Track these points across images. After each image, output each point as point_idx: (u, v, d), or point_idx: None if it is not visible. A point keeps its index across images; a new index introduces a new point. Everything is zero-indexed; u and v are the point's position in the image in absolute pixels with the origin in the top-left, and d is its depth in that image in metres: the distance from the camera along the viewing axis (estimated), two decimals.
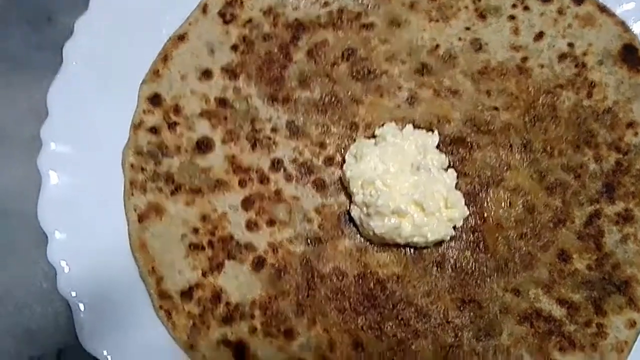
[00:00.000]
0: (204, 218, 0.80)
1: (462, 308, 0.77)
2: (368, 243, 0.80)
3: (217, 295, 0.77)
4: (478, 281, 0.78)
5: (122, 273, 0.77)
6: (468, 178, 0.82)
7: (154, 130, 0.82)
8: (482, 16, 0.87)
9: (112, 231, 0.78)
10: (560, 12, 0.86)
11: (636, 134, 0.82)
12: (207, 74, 0.84)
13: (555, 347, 0.76)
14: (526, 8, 0.86)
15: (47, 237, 0.77)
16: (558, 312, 0.77)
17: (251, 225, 0.80)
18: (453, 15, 0.87)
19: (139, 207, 0.79)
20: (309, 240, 0.80)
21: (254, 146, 0.83)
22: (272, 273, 0.78)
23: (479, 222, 0.80)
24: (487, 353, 0.76)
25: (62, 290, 0.76)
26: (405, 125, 0.82)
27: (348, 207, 0.80)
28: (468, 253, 0.79)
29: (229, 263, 0.78)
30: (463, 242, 0.80)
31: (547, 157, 0.82)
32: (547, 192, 0.81)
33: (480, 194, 0.81)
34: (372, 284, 0.78)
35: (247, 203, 0.80)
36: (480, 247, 0.80)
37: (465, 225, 0.80)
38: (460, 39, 0.86)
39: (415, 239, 0.77)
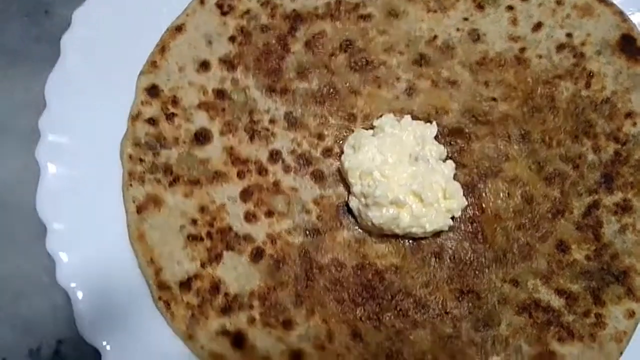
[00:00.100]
0: (203, 209, 0.80)
1: (460, 299, 0.77)
2: (366, 234, 0.80)
3: (215, 286, 0.77)
4: (476, 272, 0.78)
5: (121, 264, 0.77)
6: (466, 169, 0.82)
7: (152, 121, 0.82)
8: (480, 7, 0.87)
9: (111, 222, 0.78)
10: (558, 2, 0.86)
11: (635, 124, 0.82)
12: (204, 65, 0.84)
13: (554, 338, 0.75)
14: None
15: (45, 228, 0.77)
16: (557, 302, 0.77)
17: (250, 217, 0.80)
18: (451, 6, 0.87)
19: (138, 198, 0.79)
20: (307, 232, 0.79)
21: (252, 137, 0.82)
22: (271, 264, 0.78)
23: (477, 212, 0.80)
24: (485, 343, 0.76)
25: (61, 281, 0.76)
26: (404, 116, 0.82)
27: (346, 198, 0.80)
28: (466, 244, 0.79)
29: (227, 254, 0.78)
30: (461, 233, 0.80)
31: (545, 147, 0.82)
32: (546, 183, 0.81)
33: (478, 185, 0.81)
34: (370, 275, 0.78)
35: (245, 194, 0.80)
36: (479, 237, 0.79)
37: (463, 216, 0.80)
38: (458, 29, 0.86)
39: (414, 230, 0.77)
